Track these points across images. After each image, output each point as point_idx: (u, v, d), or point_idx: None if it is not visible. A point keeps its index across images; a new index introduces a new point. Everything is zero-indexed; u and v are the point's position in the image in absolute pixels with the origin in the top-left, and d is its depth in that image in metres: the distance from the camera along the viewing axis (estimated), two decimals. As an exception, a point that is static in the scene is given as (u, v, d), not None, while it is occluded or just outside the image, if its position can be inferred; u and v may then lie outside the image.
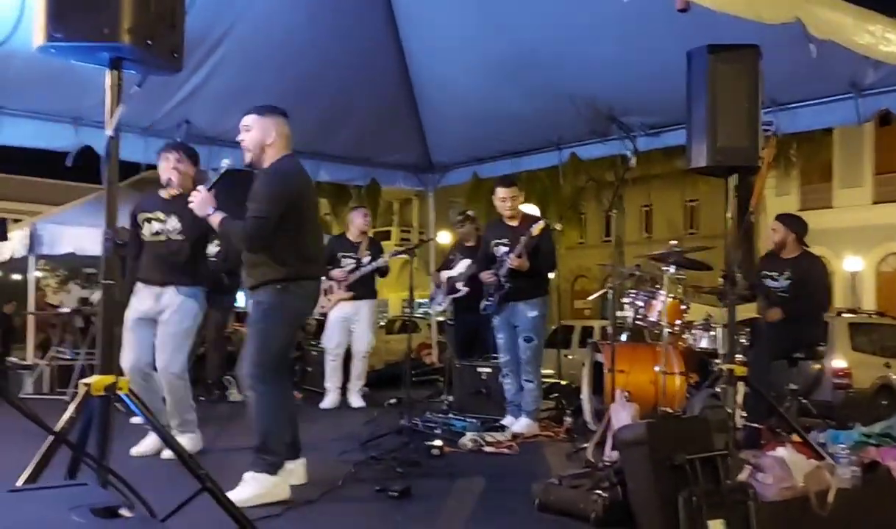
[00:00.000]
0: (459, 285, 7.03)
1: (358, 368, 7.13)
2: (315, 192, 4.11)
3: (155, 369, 4.67)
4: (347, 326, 7.09)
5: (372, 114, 8.00)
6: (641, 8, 4.80)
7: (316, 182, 8.65)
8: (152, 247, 4.71)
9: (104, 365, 2.54)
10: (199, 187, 3.86)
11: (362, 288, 7.10)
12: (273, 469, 3.65)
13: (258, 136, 3.84)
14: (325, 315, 7.19)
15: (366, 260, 7.05)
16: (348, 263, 7.07)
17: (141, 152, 6.74)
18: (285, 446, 3.81)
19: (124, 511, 1.66)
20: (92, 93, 6.03)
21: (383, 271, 7.20)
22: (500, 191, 5.83)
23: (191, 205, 3.83)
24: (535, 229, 5.56)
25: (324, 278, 6.75)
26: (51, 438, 2.32)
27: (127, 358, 4.65)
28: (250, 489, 3.51)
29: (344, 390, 7.13)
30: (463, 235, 7.34)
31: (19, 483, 2.36)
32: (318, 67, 6.95)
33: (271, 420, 3.74)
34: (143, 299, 4.69)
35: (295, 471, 3.91)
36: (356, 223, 7.34)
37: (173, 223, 4.65)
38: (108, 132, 2.50)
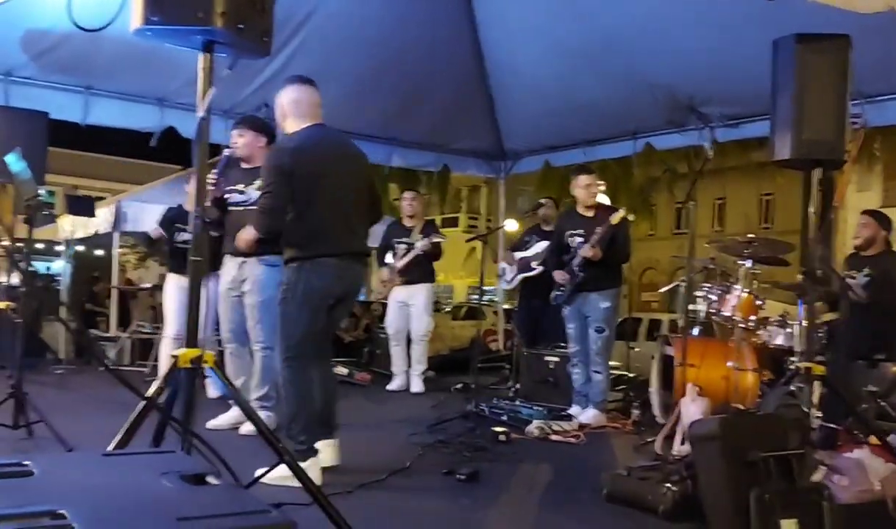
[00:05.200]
0: (534, 264, 7.01)
1: (417, 352, 7.16)
2: (341, 165, 3.83)
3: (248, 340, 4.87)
4: (406, 310, 7.15)
5: (446, 101, 8.04)
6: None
7: (388, 167, 8.75)
8: (233, 217, 4.82)
9: (190, 339, 2.64)
10: None
11: (417, 272, 7.09)
12: (300, 456, 3.44)
13: (276, 112, 3.89)
14: (384, 302, 7.30)
15: (419, 244, 7.02)
16: (401, 249, 7.09)
17: (222, 134, 6.88)
18: (316, 432, 3.73)
19: (211, 479, 1.71)
20: (177, 76, 6.32)
21: (434, 254, 7.10)
22: (585, 179, 5.74)
23: None
24: (615, 218, 5.52)
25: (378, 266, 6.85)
26: (141, 404, 2.43)
27: (222, 330, 4.96)
28: (273, 470, 3.10)
29: (409, 373, 7.21)
30: (543, 218, 7.31)
31: (110, 447, 2.47)
32: (394, 53, 7.02)
33: (297, 407, 3.68)
34: (228, 270, 4.87)
35: (325, 452, 3.81)
36: (403, 207, 7.42)
37: (252, 193, 4.73)
38: (200, 113, 2.58)
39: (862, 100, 5.62)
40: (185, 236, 5.84)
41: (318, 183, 3.70)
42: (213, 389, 5.67)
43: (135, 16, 2.54)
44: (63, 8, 4.09)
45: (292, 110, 3.80)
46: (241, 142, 4.84)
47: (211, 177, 4.65)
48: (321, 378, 3.91)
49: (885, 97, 5.76)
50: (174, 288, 5.94)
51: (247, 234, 4.25)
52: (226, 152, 4.78)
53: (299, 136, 3.78)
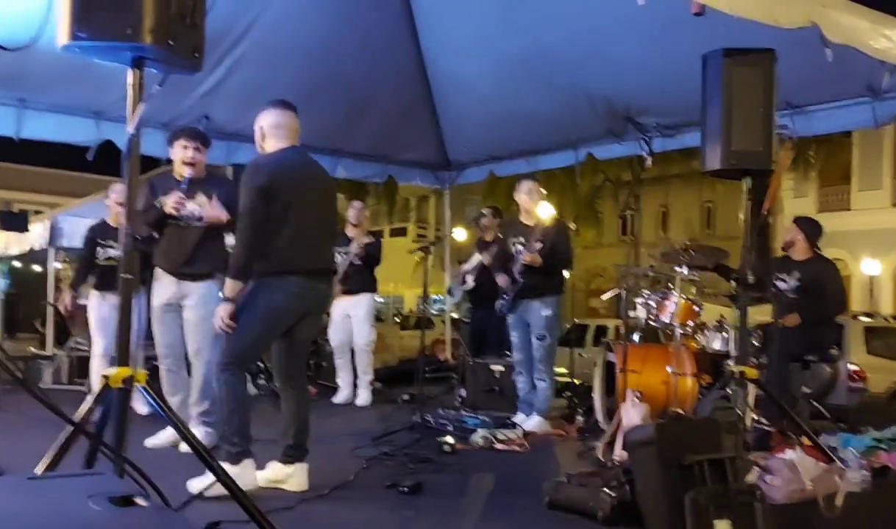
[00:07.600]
0: (469, 278, 7.09)
1: (362, 363, 7.08)
2: (312, 185, 3.95)
3: (186, 357, 4.76)
4: (348, 322, 7.08)
5: (390, 112, 8.03)
6: (658, 9, 4.79)
7: (333, 179, 8.71)
8: (172, 233, 4.70)
9: (121, 358, 2.60)
10: None
11: (358, 282, 7.04)
12: (234, 458, 3.62)
13: (256, 133, 3.95)
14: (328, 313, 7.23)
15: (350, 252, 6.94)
16: (339, 258, 6.97)
17: (161, 147, 6.75)
18: (249, 437, 3.75)
19: (140, 501, 1.69)
20: (113, 89, 6.17)
21: (371, 259, 7.05)
22: (527, 184, 5.93)
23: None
24: (548, 219, 5.62)
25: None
26: (70, 428, 2.38)
27: (158, 347, 4.80)
28: (209, 477, 3.07)
29: (356, 385, 7.15)
30: (482, 228, 7.37)
31: (38, 470, 2.42)
32: (336, 65, 6.99)
33: (232, 409, 3.70)
34: (165, 286, 4.74)
35: (294, 476, 3.83)
36: (348, 217, 7.30)
37: (192, 207, 4.65)
38: (130, 130, 2.55)
39: (791, 111, 5.80)
40: (111, 253, 5.75)
41: (291, 204, 3.76)
42: (140, 405, 5.53)
43: (62, 32, 2.50)
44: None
45: (273, 134, 3.91)
46: (199, 158, 4.75)
47: (177, 198, 4.54)
48: (295, 401, 3.93)
49: (813, 107, 5.93)
50: (98, 304, 5.89)
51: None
52: (187, 174, 4.62)
53: (277, 157, 3.88)
